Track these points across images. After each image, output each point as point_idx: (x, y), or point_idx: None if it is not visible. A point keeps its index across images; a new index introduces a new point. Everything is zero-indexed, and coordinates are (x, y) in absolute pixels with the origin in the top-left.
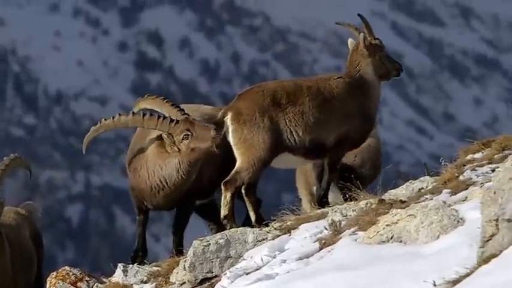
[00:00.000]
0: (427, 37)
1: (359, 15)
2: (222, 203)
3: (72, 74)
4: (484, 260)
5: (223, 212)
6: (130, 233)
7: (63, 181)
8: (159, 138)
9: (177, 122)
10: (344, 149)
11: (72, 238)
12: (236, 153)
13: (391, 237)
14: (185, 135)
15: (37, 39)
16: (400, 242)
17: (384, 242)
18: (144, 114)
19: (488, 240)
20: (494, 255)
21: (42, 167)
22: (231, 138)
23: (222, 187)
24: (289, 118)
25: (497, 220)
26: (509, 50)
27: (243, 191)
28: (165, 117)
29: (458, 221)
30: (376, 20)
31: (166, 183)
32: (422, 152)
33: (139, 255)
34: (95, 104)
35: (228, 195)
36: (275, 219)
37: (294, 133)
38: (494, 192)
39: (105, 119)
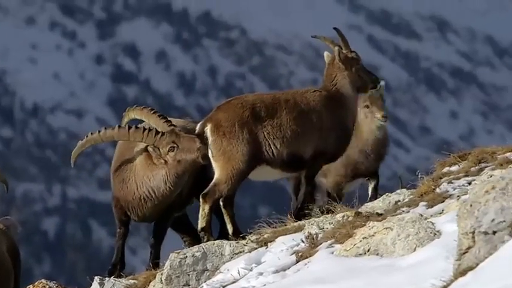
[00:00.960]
0: (403, 50)
1: (335, 28)
2: (199, 215)
3: (48, 86)
4: (461, 272)
5: (201, 224)
6: (106, 245)
7: (40, 194)
8: (147, 149)
9: (163, 134)
10: (321, 162)
11: (49, 251)
12: (215, 165)
13: (368, 250)
14: (171, 147)
15: (13, 52)
16: (377, 254)
17: (360, 254)
18: (129, 128)
19: (464, 253)
20: (470, 268)
21: (18, 180)
22: (210, 149)
23: (200, 199)
24: (267, 131)
25: (473, 233)
26: (485, 63)
27: (221, 203)
28: (150, 130)
29: (435, 234)
30: (352, 33)
31: (154, 193)
32: (399, 165)
33: (118, 268)
34: (72, 116)
35: (206, 207)
36: (252, 232)
37: (272, 146)
38: (471, 205)
39: (92, 133)
